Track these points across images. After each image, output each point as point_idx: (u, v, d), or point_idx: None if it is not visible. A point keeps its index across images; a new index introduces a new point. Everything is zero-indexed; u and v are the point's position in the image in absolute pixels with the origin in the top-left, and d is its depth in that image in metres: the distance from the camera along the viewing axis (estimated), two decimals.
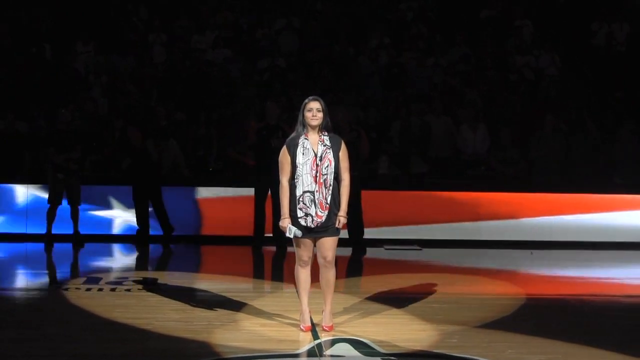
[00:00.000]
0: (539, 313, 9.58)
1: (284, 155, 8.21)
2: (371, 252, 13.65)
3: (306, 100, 8.29)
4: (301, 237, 8.14)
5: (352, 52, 17.97)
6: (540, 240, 14.37)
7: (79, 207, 13.69)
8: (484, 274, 12.37)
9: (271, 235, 13.57)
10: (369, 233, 13.78)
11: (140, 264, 12.99)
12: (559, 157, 15.39)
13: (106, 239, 14.14)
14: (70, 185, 13.57)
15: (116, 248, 13.82)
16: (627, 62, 17.78)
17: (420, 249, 14.04)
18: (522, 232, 14.46)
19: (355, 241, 13.44)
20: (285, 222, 8.10)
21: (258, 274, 12.61)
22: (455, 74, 17.50)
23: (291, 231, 8.07)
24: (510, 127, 15.79)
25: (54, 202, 13.59)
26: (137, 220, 13.82)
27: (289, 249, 13.09)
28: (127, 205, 14.13)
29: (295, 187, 8.10)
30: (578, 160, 15.41)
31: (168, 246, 13.69)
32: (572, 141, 15.61)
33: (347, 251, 13.26)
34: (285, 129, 12.86)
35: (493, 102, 16.78)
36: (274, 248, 13.55)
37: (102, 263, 12.64)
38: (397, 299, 9.84)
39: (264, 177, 13.14)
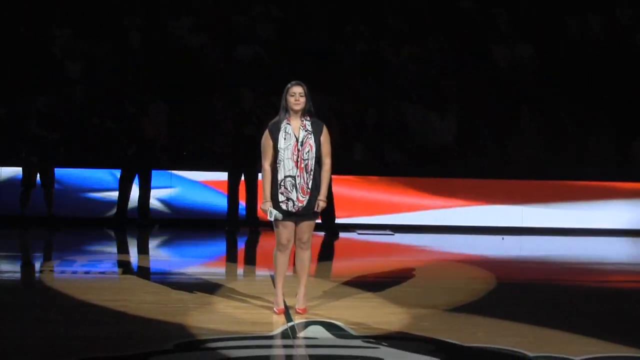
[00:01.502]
0: (509, 297, 9.69)
1: (266, 140, 8.23)
2: (344, 237, 13.76)
3: (289, 85, 8.26)
4: (282, 221, 8.21)
5: (329, 40, 17.98)
6: (512, 225, 14.55)
7: (53, 190, 13.70)
8: (455, 259, 12.51)
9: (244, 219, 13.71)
10: (342, 218, 13.87)
11: (116, 248, 13.01)
12: (535, 148, 15.52)
13: (81, 222, 14.14)
14: (44, 168, 13.58)
15: (91, 232, 13.83)
16: (601, 53, 17.88)
17: (393, 234, 14.16)
18: (494, 218, 14.60)
19: (328, 226, 13.55)
20: (267, 205, 8.15)
21: (231, 257, 12.67)
22: (432, 63, 17.56)
23: (272, 214, 8.12)
24: (485, 118, 15.90)
25: (27, 185, 13.60)
26: (118, 203, 13.86)
27: (263, 233, 13.24)
28: (103, 188, 14.16)
29: (277, 171, 8.13)
30: (552, 150, 15.55)
31: (145, 229, 13.75)
32: (547, 132, 15.75)
33: (320, 236, 13.36)
34: (259, 115, 12.94)
35: (469, 93, 16.85)
36: (246, 232, 13.64)
37: (77, 246, 12.65)
38: (369, 283, 9.95)
39: (238, 162, 13.27)
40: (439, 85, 16.80)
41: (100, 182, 14.42)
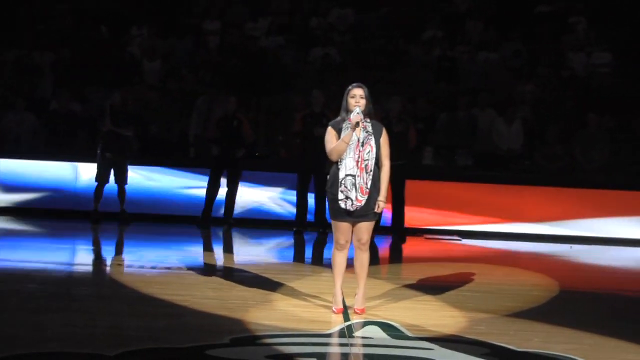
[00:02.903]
0: (570, 305, 9.63)
1: (329, 134, 8.35)
2: (411, 241, 13.76)
3: (350, 87, 8.42)
4: (340, 221, 8.29)
5: (404, 44, 18.02)
6: (581, 235, 14.38)
7: (125, 187, 13.98)
8: (520, 265, 12.44)
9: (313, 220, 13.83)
10: (410, 222, 13.88)
11: (185, 244, 13.19)
12: (604, 155, 15.36)
13: (155, 218, 14.39)
14: (117, 164, 13.86)
15: (160, 227, 14.05)
16: None
17: (460, 240, 14.13)
18: (562, 226, 14.45)
19: (396, 229, 13.60)
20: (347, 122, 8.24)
21: (297, 257, 12.78)
22: (507, 69, 17.49)
23: (355, 112, 8.18)
24: (558, 124, 15.78)
25: (101, 180, 13.90)
26: (206, 202, 14.06)
27: (330, 234, 13.31)
28: (174, 186, 14.46)
29: (338, 169, 8.26)
30: (623, 159, 15.37)
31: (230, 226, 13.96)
32: (619, 139, 15.57)
33: (388, 239, 13.41)
34: (330, 117, 13.02)
35: (544, 99, 16.74)
36: (315, 233, 13.74)
37: (146, 241, 12.88)
38: (431, 287, 9.95)
39: (307, 164, 13.39)
40: (513, 90, 16.70)
41: (173, 181, 14.67)
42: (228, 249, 13.05)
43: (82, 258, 11.43)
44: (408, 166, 13.28)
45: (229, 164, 13.98)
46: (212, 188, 14.06)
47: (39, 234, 13.51)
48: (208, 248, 13.10)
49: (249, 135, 14.23)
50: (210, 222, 14.05)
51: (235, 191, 14.06)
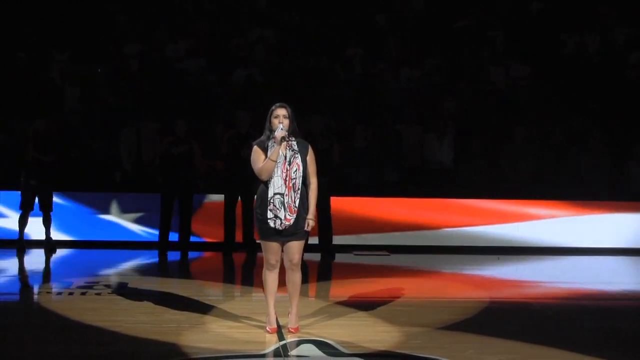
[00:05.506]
0: (502, 316, 9.77)
1: (256, 153, 8.36)
2: (340, 258, 13.82)
3: (273, 107, 8.45)
4: (269, 241, 8.29)
5: (326, 63, 18.08)
6: (508, 245, 14.59)
7: (51, 213, 13.77)
8: (450, 278, 12.56)
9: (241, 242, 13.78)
10: (338, 239, 13.93)
11: (113, 269, 13.06)
12: (529, 167, 15.60)
13: (80, 244, 14.23)
14: (42, 191, 13.66)
15: (88, 253, 13.91)
16: (598, 73, 17.96)
17: (389, 255, 14.21)
18: (489, 238, 14.65)
19: (324, 247, 13.63)
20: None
21: (227, 279, 12.74)
22: (429, 84, 17.67)
23: (279, 129, 8.21)
24: (481, 137, 16.00)
25: (26, 208, 13.68)
26: (161, 230, 13.75)
27: (259, 255, 13.28)
28: (102, 212, 14.37)
29: (267, 188, 8.26)
30: (546, 170, 15.64)
31: (187, 254, 13.72)
32: (542, 151, 15.85)
33: (316, 256, 13.45)
34: (256, 137, 13.00)
35: (465, 112, 16.94)
36: (244, 254, 13.70)
37: (74, 268, 12.72)
38: (363, 303, 10.01)
39: (234, 185, 13.36)
40: (436, 106, 16.87)
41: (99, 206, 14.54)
42: (159, 273, 12.93)
43: (9, 287, 11.24)
44: (333, 183, 13.35)
45: (180, 190, 13.71)
46: (166, 215, 13.75)
47: None
48: (138, 273, 12.98)
49: (200, 163, 13.99)
50: (167, 249, 13.73)
51: (189, 219, 13.80)
